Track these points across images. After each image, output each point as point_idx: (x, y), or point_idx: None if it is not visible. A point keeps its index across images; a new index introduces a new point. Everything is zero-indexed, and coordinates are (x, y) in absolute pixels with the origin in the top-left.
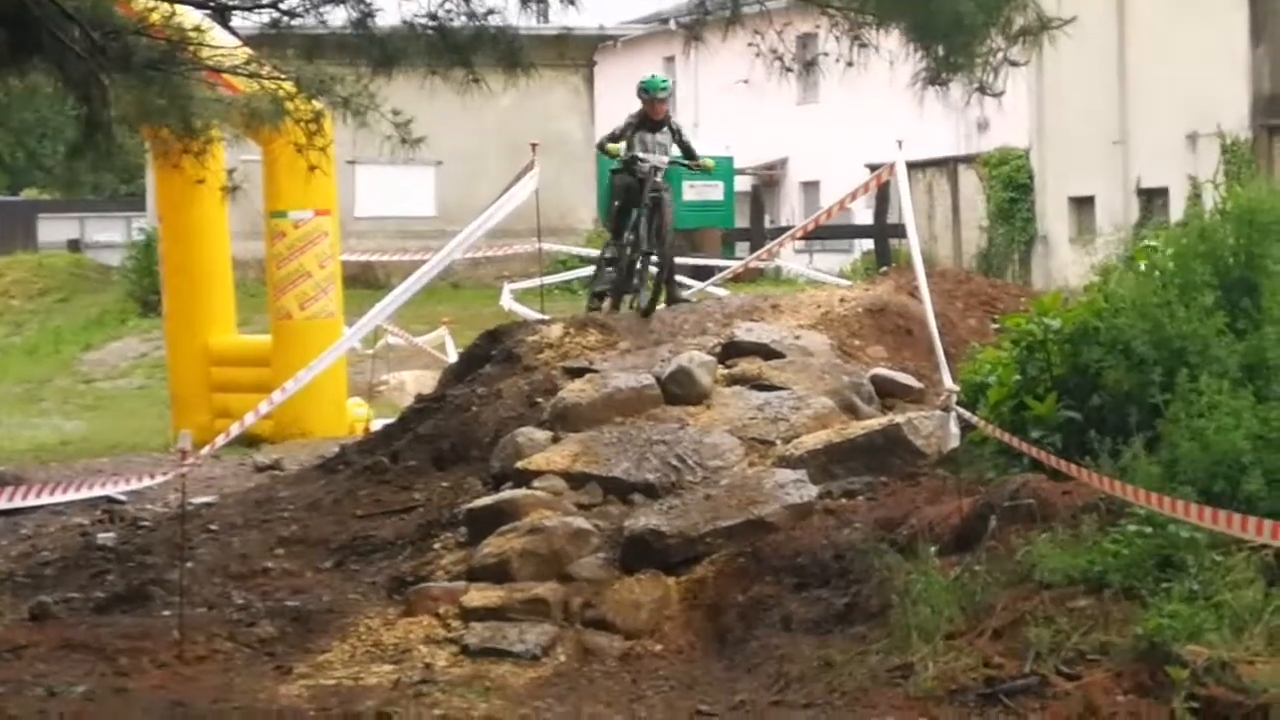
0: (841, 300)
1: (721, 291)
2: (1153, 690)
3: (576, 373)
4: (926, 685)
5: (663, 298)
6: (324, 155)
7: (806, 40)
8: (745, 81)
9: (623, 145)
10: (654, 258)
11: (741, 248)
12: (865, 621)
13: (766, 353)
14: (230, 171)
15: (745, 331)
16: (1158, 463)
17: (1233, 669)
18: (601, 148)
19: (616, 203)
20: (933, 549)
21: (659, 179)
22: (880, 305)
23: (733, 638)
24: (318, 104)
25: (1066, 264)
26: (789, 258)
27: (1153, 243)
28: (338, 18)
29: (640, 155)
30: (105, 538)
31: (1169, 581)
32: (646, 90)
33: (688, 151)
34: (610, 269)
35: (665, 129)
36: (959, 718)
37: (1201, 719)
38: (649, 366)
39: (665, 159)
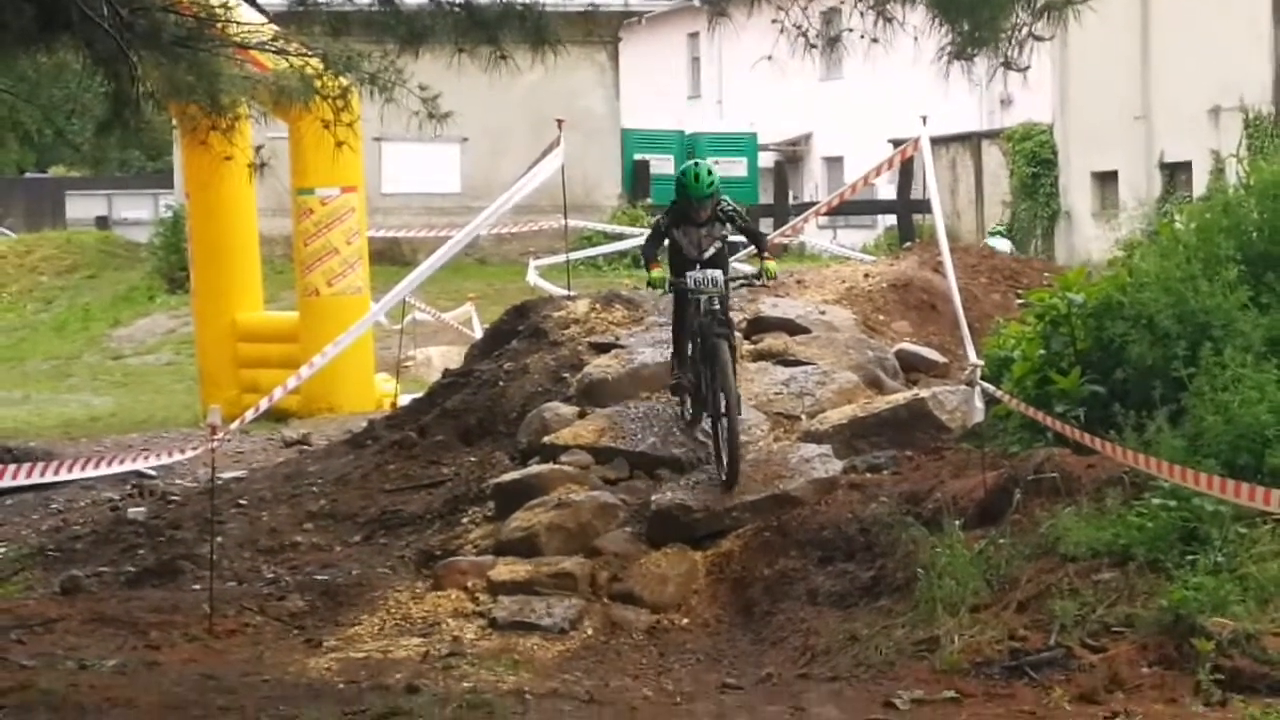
0: (866, 276)
1: (746, 268)
2: (1178, 662)
3: (603, 348)
4: (952, 658)
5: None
6: (351, 132)
7: (831, 16)
8: (769, 58)
9: (664, 267)
10: (723, 422)
11: (765, 224)
12: (890, 595)
13: (791, 328)
14: (257, 148)
15: (770, 307)
16: (1182, 436)
17: (1257, 641)
18: (646, 267)
19: (675, 318)
20: (957, 522)
21: (716, 307)
22: (904, 280)
23: (759, 611)
24: (345, 80)
25: (1089, 239)
26: (813, 234)
27: (1176, 218)
28: None
29: (690, 286)
30: (135, 512)
31: (1193, 554)
32: (686, 188)
33: (753, 236)
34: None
35: (715, 222)
36: (984, 690)
37: (1226, 690)
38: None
39: (720, 280)
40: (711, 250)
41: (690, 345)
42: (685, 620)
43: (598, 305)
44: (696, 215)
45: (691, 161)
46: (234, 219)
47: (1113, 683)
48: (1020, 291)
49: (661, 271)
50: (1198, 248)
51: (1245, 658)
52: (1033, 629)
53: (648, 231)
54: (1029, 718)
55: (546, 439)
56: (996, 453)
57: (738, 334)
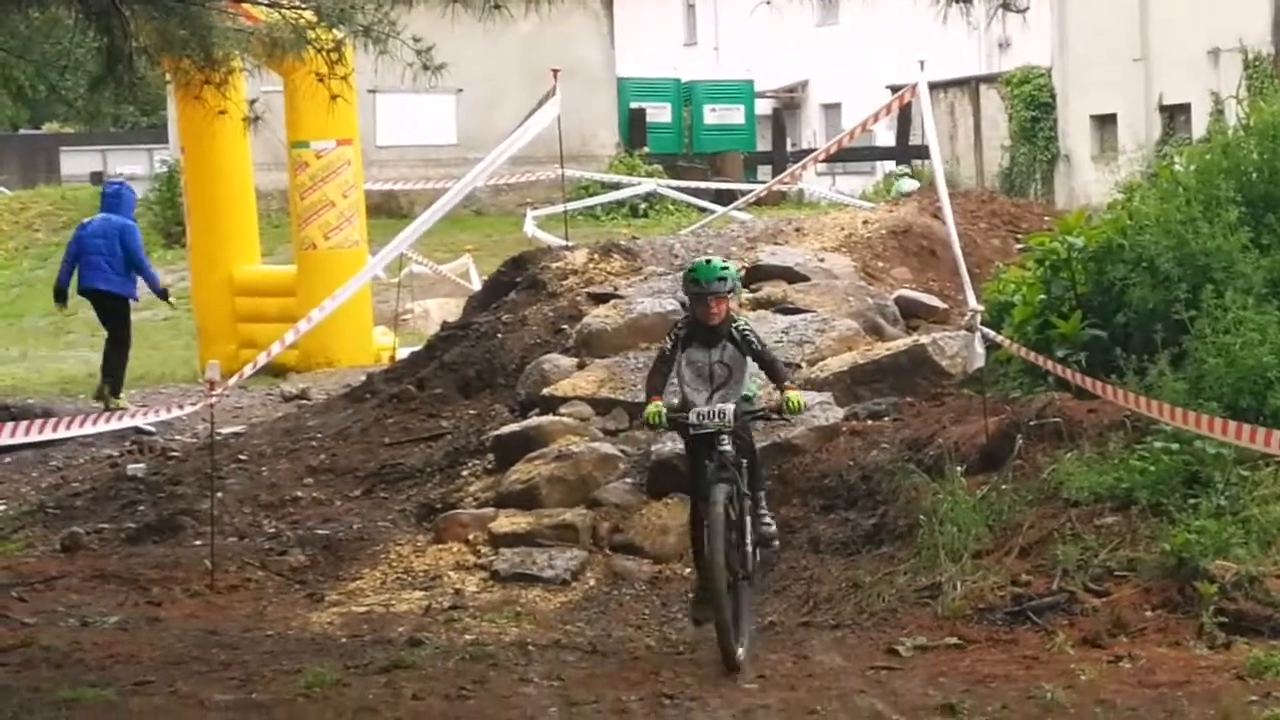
0: (865, 223)
1: (745, 216)
2: (1181, 605)
3: (601, 299)
4: (955, 604)
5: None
6: (345, 84)
7: None
8: (767, 2)
9: (661, 403)
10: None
11: (764, 171)
12: (893, 542)
13: (791, 276)
14: (251, 102)
15: (769, 255)
16: (1184, 379)
17: (1260, 583)
18: (645, 399)
19: (689, 476)
20: (959, 468)
21: (726, 447)
22: (904, 227)
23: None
24: (338, 33)
25: (1089, 182)
26: (811, 181)
27: (1176, 160)
28: None
29: (693, 419)
30: (135, 469)
31: (1196, 497)
32: (696, 280)
33: (770, 366)
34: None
35: (727, 342)
36: (987, 636)
37: (1230, 633)
38: (673, 291)
39: (729, 411)
40: (729, 412)
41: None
42: (687, 570)
43: (596, 256)
44: (708, 316)
45: (704, 258)
46: (229, 173)
47: (1116, 626)
48: (1020, 236)
49: (658, 406)
50: (1198, 189)
51: (1248, 600)
52: (1035, 574)
53: (644, 185)
54: (1032, 663)
55: (546, 391)
56: (998, 398)
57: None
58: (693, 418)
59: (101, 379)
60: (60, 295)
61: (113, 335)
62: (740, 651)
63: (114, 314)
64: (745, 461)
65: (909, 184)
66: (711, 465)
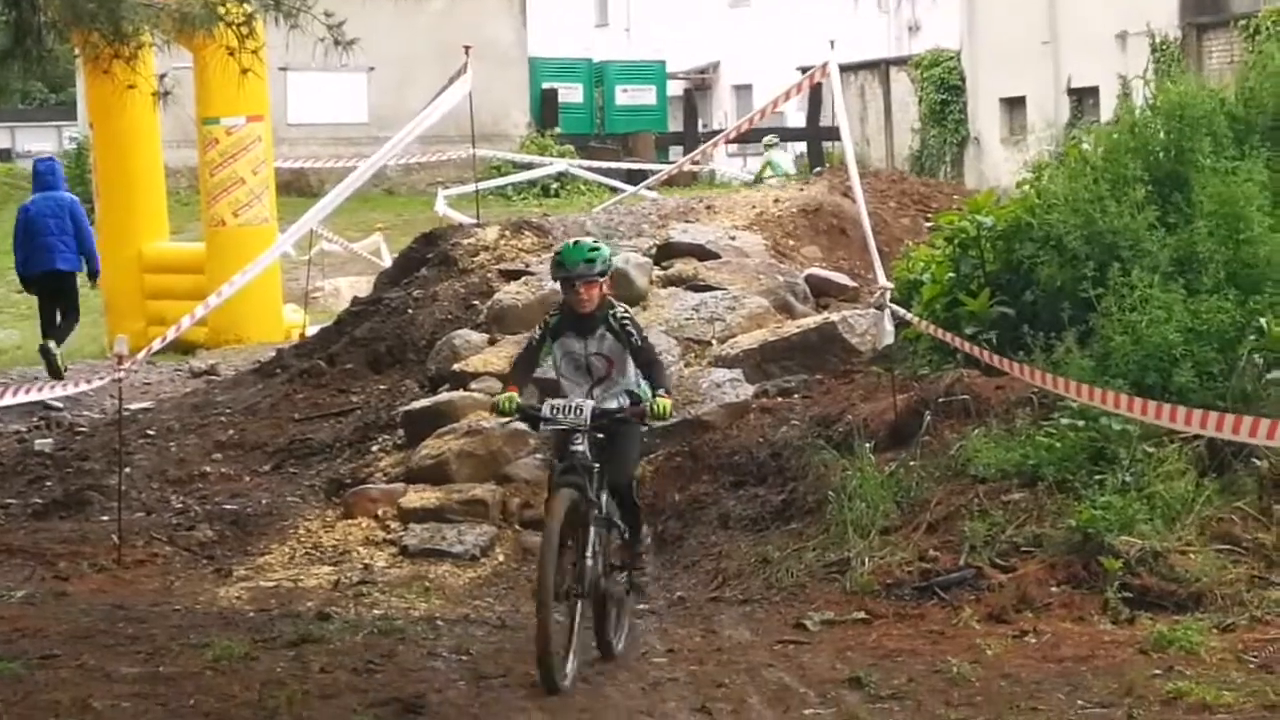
0: (776, 201)
1: (654, 195)
2: (1086, 581)
3: (512, 275)
4: (863, 579)
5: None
6: (256, 59)
7: None
8: None
9: (515, 393)
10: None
11: (675, 152)
12: (802, 518)
13: (702, 253)
14: (161, 77)
15: (681, 232)
16: (1090, 357)
17: (1164, 559)
18: (505, 385)
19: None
20: (868, 445)
21: (579, 446)
22: (814, 205)
23: (670, 535)
24: (248, 7)
25: (998, 164)
26: (722, 161)
27: (1084, 140)
28: None
29: (546, 412)
30: (42, 444)
31: (1102, 474)
32: (562, 264)
33: (648, 365)
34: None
35: (603, 330)
36: (895, 611)
37: (1134, 608)
38: None
39: (587, 408)
40: (586, 410)
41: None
42: None
43: (507, 232)
44: (579, 303)
45: (572, 240)
46: (138, 149)
47: (1022, 602)
48: (929, 215)
49: (511, 395)
50: (1105, 169)
51: (1153, 576)
52: (943, 550)
53: (556, 165)
54: (938, 637)
55: (456, 366)
56: (906, 375)
57: (647, 258)
58: (545, 410)
59: (52, 349)
60: (25, 282)
61: (69, 311)
62: (566, 678)
63: (69, 291)
64: (598, 468)
65: (780, 155)
66: (559, 465)
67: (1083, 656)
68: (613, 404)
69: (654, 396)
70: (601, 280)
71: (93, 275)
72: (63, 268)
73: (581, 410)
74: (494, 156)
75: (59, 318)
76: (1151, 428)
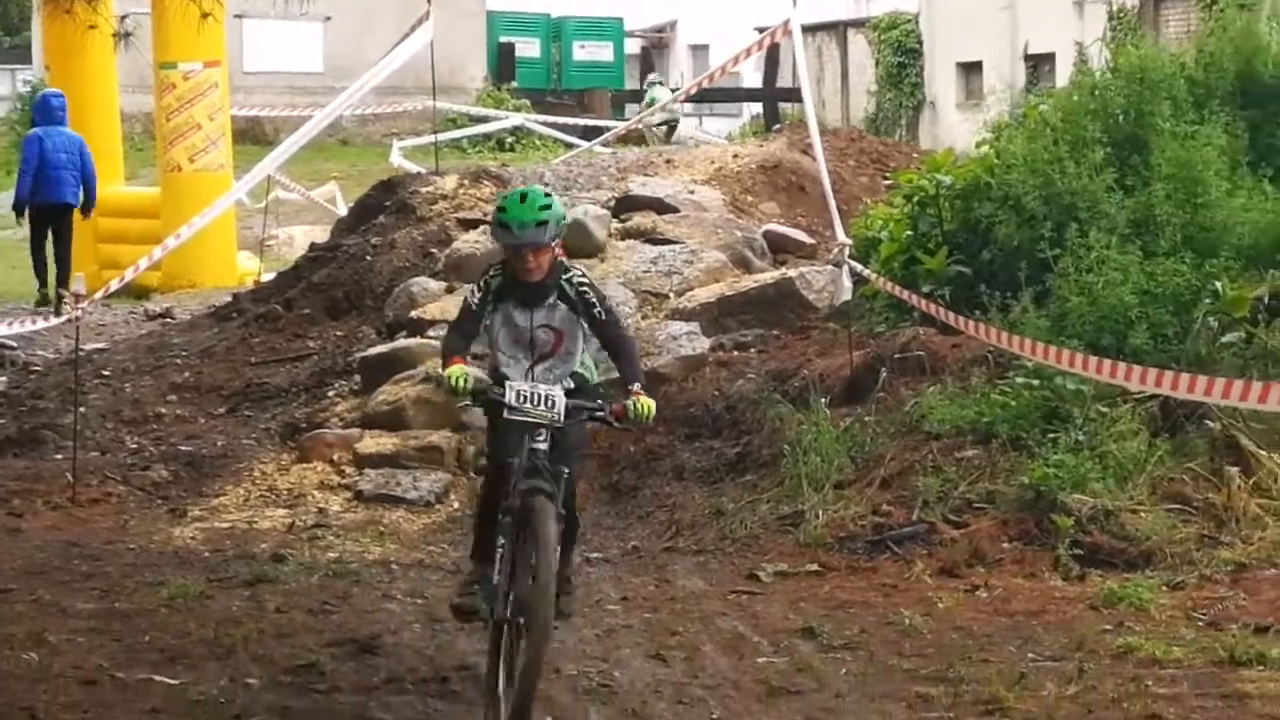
0: (735, 156)
1: (609, 151)
2: (1038, 538)
3: (470, 224)
4: (816, 533)
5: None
6: (216, 3)
7: None
8: None
9: (464, 367)
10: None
11: (631, 109)
12: (756, 471)
13: (660, 207)
14: (121, 19)
15: (639, 186)
16: (1046, 317)
17: (1116, 517)
18: (443, 362)
19: (489, 462)
20: (823, 400)
21: (541, 443)
22: (773, 162)
23: (625, 486)
24: None
25: (954, 128)
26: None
27: (1043, 105)
28: None
29: (511, 399)
30: None
31: (1055, 433)
32: (505, 223)
33: (616, 345)
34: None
35: (555, 298)
36: (847, 564)
37: (1084, 565)
38: None
39: (561, 403)
40: (557, 400)
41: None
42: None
43: (465, 181)
44: (525, 270)
45: (519, 190)
46: (95, 92)
47: (974, 557)
48: (888, 174)
49: (463, 370)
50: (1064, 130)
51: (1104, 534)
52: (896, 505)
53: (512, 119)
54: (891, 590)
55: (414, 313)
56: (863, 332)
57: (606, 211)
58: (511, 396)
59: (55, 286)
60: (24, 209)
61: (66, 241)
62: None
63: (69, 225)
64: (566, 473)
65: (662, 93)
66: (517, 463)
67: (1034, 611)
68: (558, 389)
69: (631, 396)
70: (553, 245)
71: (88, 209)
72: (72, 201)
73: (554, 402)
74: (450, 109)
75: (50, 247)
76: (1105, 388)
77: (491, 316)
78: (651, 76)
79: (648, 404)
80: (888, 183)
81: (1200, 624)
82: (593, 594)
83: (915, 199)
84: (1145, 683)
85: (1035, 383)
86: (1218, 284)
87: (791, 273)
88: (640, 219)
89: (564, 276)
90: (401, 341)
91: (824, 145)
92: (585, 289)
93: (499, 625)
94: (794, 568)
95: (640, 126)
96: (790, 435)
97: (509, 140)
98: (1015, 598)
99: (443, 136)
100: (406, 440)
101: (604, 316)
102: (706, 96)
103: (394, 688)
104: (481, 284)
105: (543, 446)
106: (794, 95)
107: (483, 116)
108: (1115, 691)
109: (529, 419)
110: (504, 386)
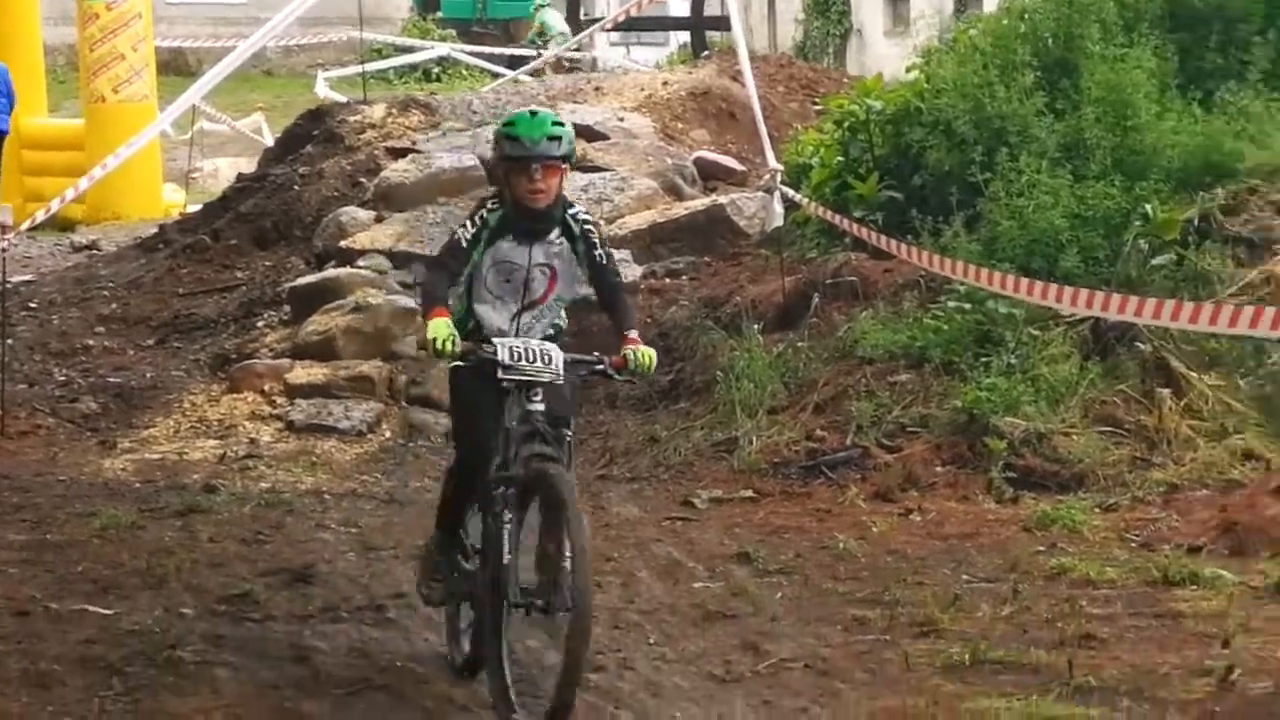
0: (664, 84)
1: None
2: (971, 461)
3: (399, 153)
4: (750, 458)
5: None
6: None
7: None
8: None
9: (448, 321)
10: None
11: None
12: (690, 398)
13: (590, 134)
14: None
15: (569, 113)
16: (978, 241)
17: (1048, 440)
18: (424, 312)
19: (458, 422)
20: (756, 326)
21: (537, 404)
22: (703, 89)
23: None
24: None
25: (881, 56)
26: (605, 50)
27: (972, 27)
28: None
29: (505, 356)
30: None
31: (988, 356)
32: (516, 136)
33: (610, 291)
34: (435, 585)
35: (558, 233)
36: (782, 489)
37: (1017, 488)
38: (473, 147)
39: (558, 357)
40: (543, 291)
41: (483, 484)
42: None
43: (394, 110)
44: (534, 196)
45: (528, 109)
46: (17, 24)
47: (907, 481)
48: (818, 100)
49: (448, 328)
50: (994, 54)
51: (1036, 457)
52: (830, 430)
53: (438, 49)
54: (825, 515)
55: (343, 243)
56: (795, 258)
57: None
58: (505, 354)
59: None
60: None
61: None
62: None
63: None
64: (567, 436)
65: (552, 16)
66: (517, 427)
67: (967, 534)
68: (553, 345)
69: (627, 345)
70: (565, 167)
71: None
72: (7, 131)
73: (551, 358)
74: (375, 40)
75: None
76: (1037, 311)
77: (481, 255)
78: (539, 0)
79: (648, 353)
80: (818, 109)
81: (1133, 545)
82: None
83: (846, 125)
84: (1079, 603)
85: (967, 307)
86: (1148, 207)
87: (723, 199)
88: None
89: (569, 211)
90: (331, 271)
91: (754, 72)
92: (590, 227)
93: (497, 609)
94: (728, 494)
95: (536, 54)
96: (723, 362)
97: (435, 70)
98: (949, 521)
99: (369, 67)
100: (337, 370)
101: (604, 260)
102: (634, 25)
103: (328, 616)
104: (477, 218)
105: (540, 408)
106: (721, 24)
107: (408, 47)
108: (1049, 612)
109: (526, 377)
110: (493, 344)
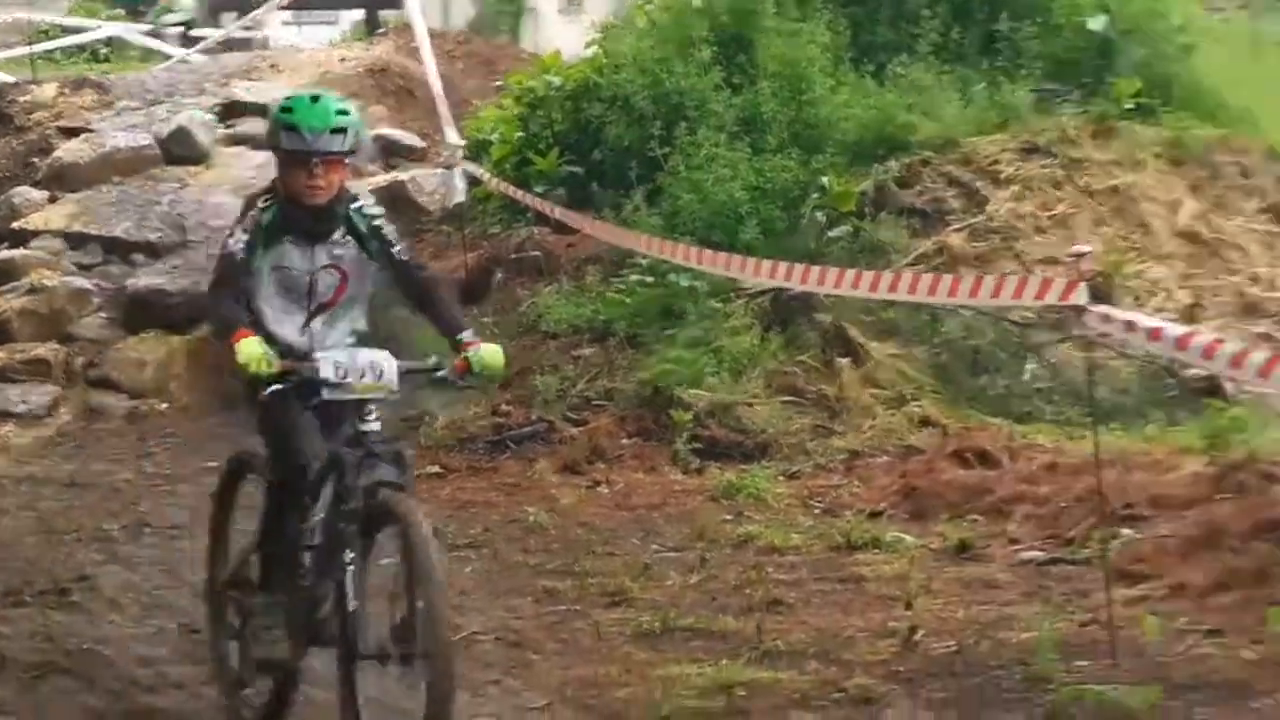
0: (341, 60)
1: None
2: (656, 433)
3: (72, 133)
4: (436, 434)
5: None
6: None
7: None
8: None
9: (258, 341)
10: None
11: (228, 19)
12: None
13: (268, 113)
14: None
15: (245, 91)
16: (659, 214)
17: (732, 411)
18: (223, 333)
19: (275, 446)
20: None
21: (372, 424)
22: (381, 65)
23: (235, 396)
24: None
25: (555, 35)
26: (278, 29)
27: (649, 3)
28: None
29: (330, 374)
30: None
31: (671, 329)
32: (294, 126)
33: (423, 291)
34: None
35: (343, 231)
36: (469, 465)
37: (703, 459)
38: (147, 126)
39: (391, 367)
40: (332, 293)
41: (299, 509)
42: (164, 405)
43: (66, 89)
44: (312, 190)
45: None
46: None
47: (594, 454)
48: (498, 76)
49: (261, 348)
50: (672, 30)
51: (720, 427)
52: (515, 405)
53: (106, 29)
54: (514, 489)
55: (16, 224)
56: (477, 234)
57: (212, 116)
58: (329, 370)
59: None
60: None
61: None
62: None
63: None
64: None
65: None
66: (349, 454)
67: (655, 504)
68: (384, 353)
69: (466, 347)
70: (346, 161)
71: None
72: None
73: (382, 370)
74: (41, 21)
75: None
76: (719, 284)
77: (262, 260)
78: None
79: (492, 350)
80: (498, 85)
81: (816, 511)
82: (205, 503)
83: (526, 100)
84: (765, 569)
85: (650, 280)
86: (824, 179)
87: (403, 176)
88: (247, 125)
89: (353, 206)
90: (4, 253)
91: (432, 49)
92: (379, 222)
93: (347, 660)
94: (415, 471)
95: (157, 30)
96: (406, 337)
97: (104, 51)
98: (636, 492)
99: (36, 48)
100: (13, 353)
101: (404, 255)
102: (304, 4)
103: (11, 600)
104: (247, 224)
105: (376, 427)
106: (393, 3)
107: (76, 27)
108: (737, 579)
109: (355, 396)
110: (316, 361)
